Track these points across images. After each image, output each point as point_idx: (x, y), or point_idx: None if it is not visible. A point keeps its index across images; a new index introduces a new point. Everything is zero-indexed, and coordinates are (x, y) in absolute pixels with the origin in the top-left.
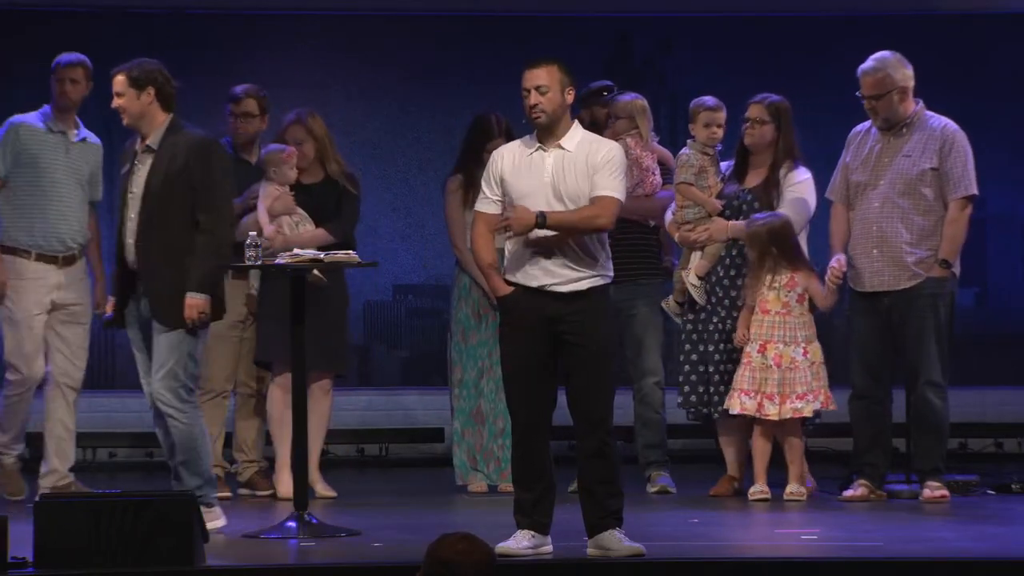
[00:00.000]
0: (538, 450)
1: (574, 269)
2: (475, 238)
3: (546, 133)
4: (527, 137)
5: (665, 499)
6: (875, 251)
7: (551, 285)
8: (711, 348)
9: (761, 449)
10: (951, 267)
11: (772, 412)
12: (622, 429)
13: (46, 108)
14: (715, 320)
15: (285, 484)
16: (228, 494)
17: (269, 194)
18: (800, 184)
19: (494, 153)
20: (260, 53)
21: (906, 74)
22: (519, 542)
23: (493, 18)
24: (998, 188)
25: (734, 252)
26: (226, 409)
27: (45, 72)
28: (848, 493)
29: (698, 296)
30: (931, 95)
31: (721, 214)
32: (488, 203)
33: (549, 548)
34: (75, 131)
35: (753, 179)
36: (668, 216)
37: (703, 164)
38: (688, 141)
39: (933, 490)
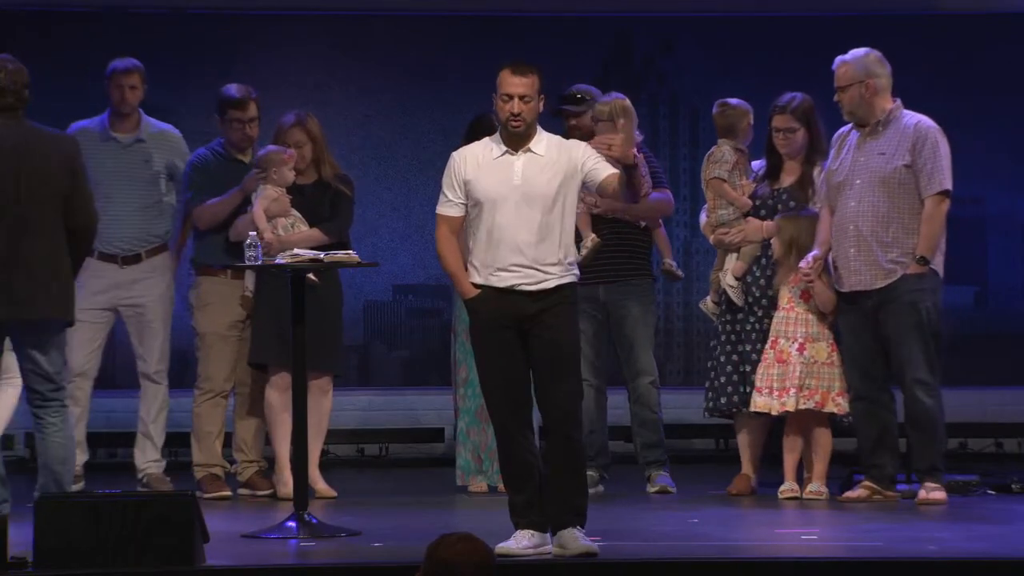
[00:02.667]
0: (523, 449)
1: (540, 270)
2: (440, 241)
3: (515, 137)
4: (489, 139)
5: (665, 499)
6: (852, 250)
7: (519, 285)
8: (748, 348)
9: (790, 447)
10: (930, 264)
11: (773, 407)
12: (623, 429)
13: (106, 112)
14: (752, 320)
15: (285, 484)
16: (228, 493)
17: (267, 195)
18: None
19: (454, 155)
20: (260, 53)
21: (876, 71)
22: (519, 542)
23: (493, 18)
24: (998, 188)
25: (770, 253)
26: (226, 409)
27: (46, 72)
28: (849, 494)
29: (736, 297)
30: (931, 95)
31: (755, 214)
32: (451, 206)
33: (549, 548)
34: (130, 134)
35: (787, 178)
36: (702, 218)
37: (736, 161)
38: (719, 140)
39: (929, 491)
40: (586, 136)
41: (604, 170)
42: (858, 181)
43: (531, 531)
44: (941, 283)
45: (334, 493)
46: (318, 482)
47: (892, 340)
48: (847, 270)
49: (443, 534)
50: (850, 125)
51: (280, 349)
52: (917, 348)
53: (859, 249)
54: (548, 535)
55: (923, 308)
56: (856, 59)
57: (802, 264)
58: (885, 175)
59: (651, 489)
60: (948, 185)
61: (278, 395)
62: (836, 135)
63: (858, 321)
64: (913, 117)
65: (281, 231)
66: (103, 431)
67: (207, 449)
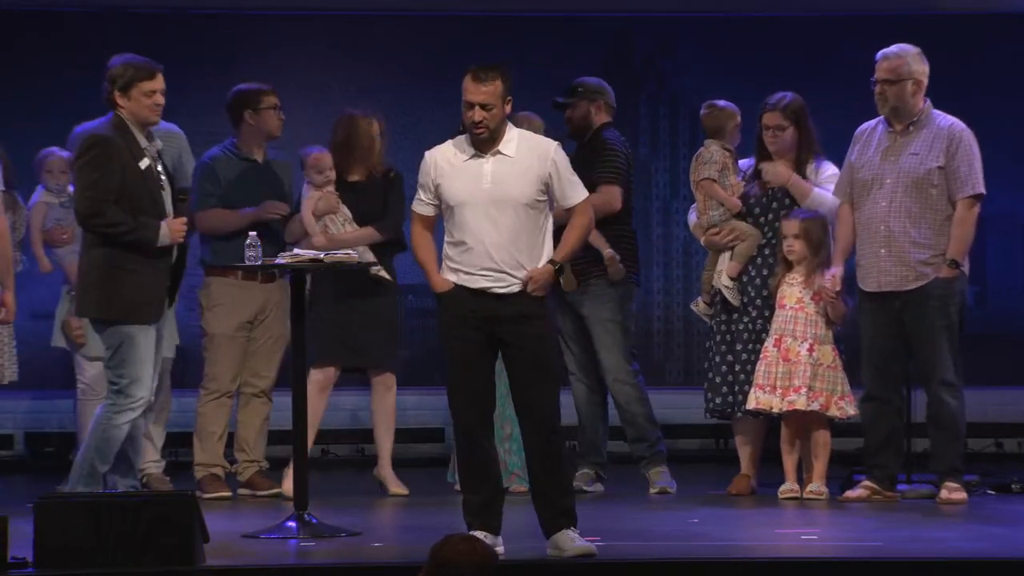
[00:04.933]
0: (483, 451)
1: (510, 273)
2: (413, 236)
3: (483, 141)
4: (460, 139)
5: (665, 499)
6: (882, 251)
7: (490, 288)
8: (739, 347)
9: (789, 447)
10: (960, 267)
11: (775, 404)
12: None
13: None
14: (746, 320)
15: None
16: (228, 494)
17: (312, 196)
18: (834, 175)
19: (427, 155)
20: (260, 53)
21: (923, 69)
22: None
23: (493, 18)
24: (998, 188)
25: (767, 251)
26: (230, 409)
27: (46, 72)
28: (849, 493)
29: (732, 297)
30: (931, 95)
31: (749, 213)
32: (423, 205)
33: (501, 549)
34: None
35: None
36: (692, 218)
37: (725, 161)
38: (706, 141)
39: (951, 491)
40: (577, 127)
41: (572, 198)
42: (888, 180)
43: (483, 532)
44: (967, 284)
45: (406, 491)
46: (388, 479)
47: (920, 341)
48: (876, 270)
49: (447, 535)
50: (875, 121)
51: (327, 347)
52: (945, 350)
53: (890, 250)
54: (499, 537)
55: (952, 311)
56: (907, 54)
57: (827, 284)
58: (918, 176)
59: (652, 491)
60: (982, 189)
61: (315, 394)
62: (859, 130)
63: (882, 321)
64: (946, 119)
65: (332, 228)
66: None
67: (209, 449)
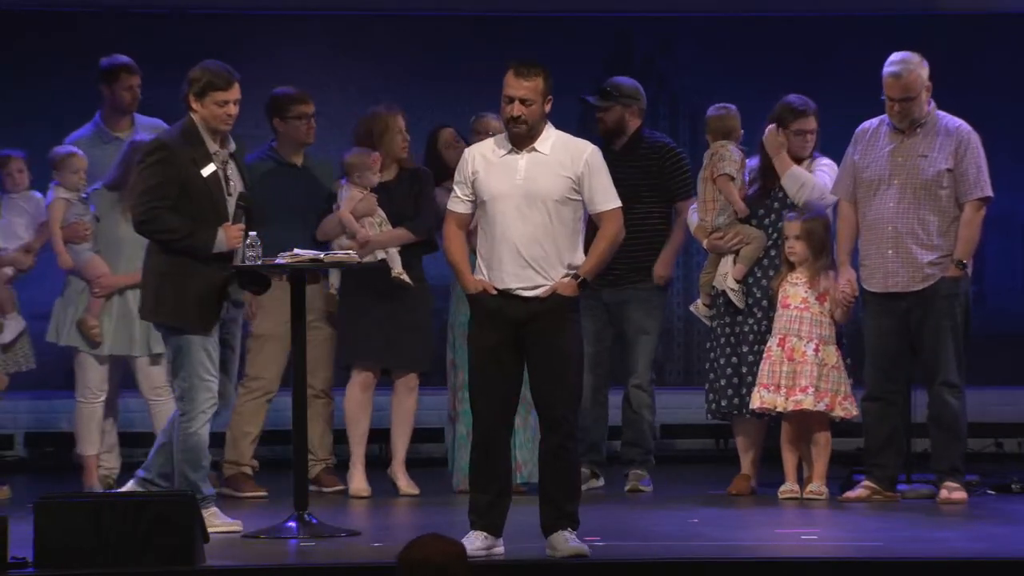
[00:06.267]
0: (497, 451)
1: (539, 272)
2: (448, 236)
3: (519, 137)
4: (500, 137)
5: (665, 499)
6: (890, 251)
7: (517, 288)
8: (745, 349)
9: (790, 447)
10: (966, 267)
11: (779, 403)
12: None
13: (96, 115)
14: (751, 322)
15: (355, 481)
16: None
17: (352, 197)
18: (827, 164)
19: (466, 152)
20: (260, 53)
21: (927, 73)
22: (472, 543)
23: (493, 18)
24: (998, 188)
25: (773, 253)
26: (267, 410)
27: (46, 72)
28: (849, 494)
29: (738, 300)
30: (931, 95)
31: (752, 215)
32: (459, 203)
33: (501, 550)
34: (129, 131)
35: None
36: (693, 219)
37: (742, 162)
38: (720, 141)
39: (951, 491)
40: (608, 130)
41: (601, 203)
42: (897, 181)
43: (485, 533)
44: (971, 284)
45: (416, 491)
46: (400, 478)
47: (925, 341)
48: (883, 271)
49: (413, 539)
50: (878, 119)
51: (362, 348)
52: (950, 350)
53: (898, 251)
54: (500, 539)
55: (958, 311)
56: (914, 65)
57: (846, 289)
58: (928, 178)
59: (627, 487)
60: (989, 192)
61: (359, 393)
62: (860, 128)
63: (889, 322)
64: (952, 120)
65: (370, 230)
66: None
67: (242, 448)
